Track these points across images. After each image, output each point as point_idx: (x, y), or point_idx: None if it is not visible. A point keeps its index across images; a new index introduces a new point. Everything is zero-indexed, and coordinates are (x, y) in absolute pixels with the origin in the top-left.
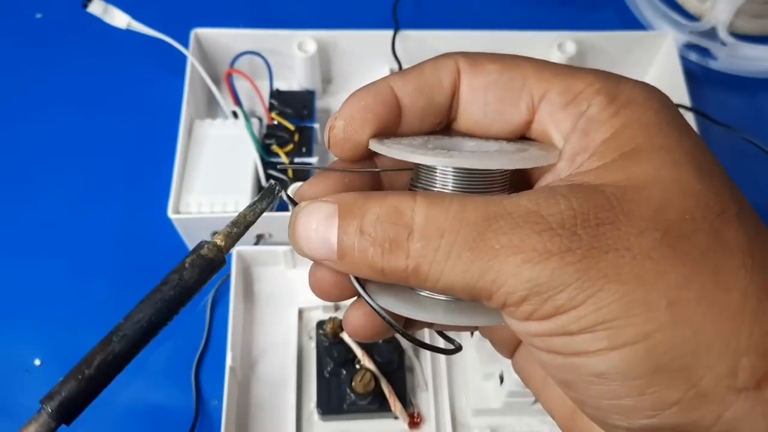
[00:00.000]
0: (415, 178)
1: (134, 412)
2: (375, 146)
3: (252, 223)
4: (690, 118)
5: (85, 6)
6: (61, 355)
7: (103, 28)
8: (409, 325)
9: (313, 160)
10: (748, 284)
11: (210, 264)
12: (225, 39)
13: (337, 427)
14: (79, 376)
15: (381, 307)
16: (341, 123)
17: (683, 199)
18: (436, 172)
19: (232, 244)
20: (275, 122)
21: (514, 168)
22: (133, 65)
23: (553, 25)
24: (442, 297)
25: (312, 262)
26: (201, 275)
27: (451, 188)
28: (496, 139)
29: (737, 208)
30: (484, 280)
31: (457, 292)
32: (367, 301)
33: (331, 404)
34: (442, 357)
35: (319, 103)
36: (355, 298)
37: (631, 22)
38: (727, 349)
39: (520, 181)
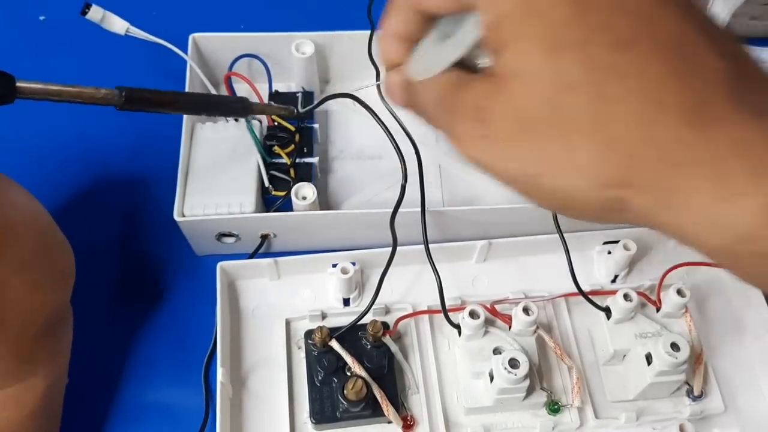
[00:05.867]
0: None
1: (145, 411)
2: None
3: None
4: None
5: (84, 13)
6: None
7: (102, 34)
8: None
9: (314, 160)
10: None
11: None
12: (223, 43)
13: None
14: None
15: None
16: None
17: None
18: None
19: None
20: (275, 123)
21: None
22: (134, 71)
23: None
24: None
25: None
26: None
27: None
28: None
29: None
30: None
31: None
32: None
33: (325, 413)
34: (431, 358)
35: None
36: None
37: None
38: None
39: None
